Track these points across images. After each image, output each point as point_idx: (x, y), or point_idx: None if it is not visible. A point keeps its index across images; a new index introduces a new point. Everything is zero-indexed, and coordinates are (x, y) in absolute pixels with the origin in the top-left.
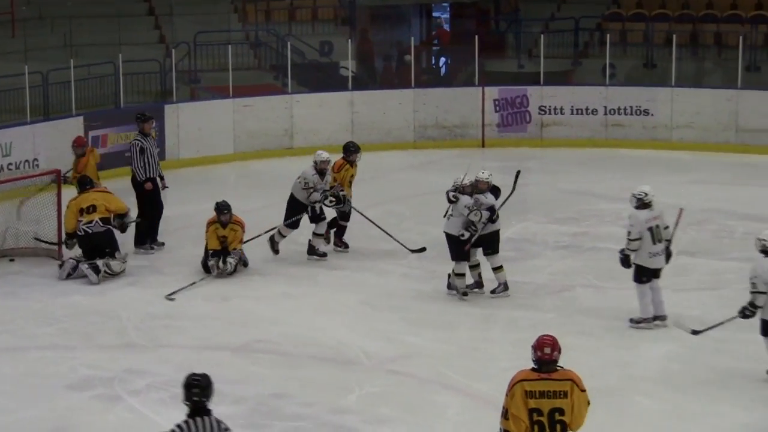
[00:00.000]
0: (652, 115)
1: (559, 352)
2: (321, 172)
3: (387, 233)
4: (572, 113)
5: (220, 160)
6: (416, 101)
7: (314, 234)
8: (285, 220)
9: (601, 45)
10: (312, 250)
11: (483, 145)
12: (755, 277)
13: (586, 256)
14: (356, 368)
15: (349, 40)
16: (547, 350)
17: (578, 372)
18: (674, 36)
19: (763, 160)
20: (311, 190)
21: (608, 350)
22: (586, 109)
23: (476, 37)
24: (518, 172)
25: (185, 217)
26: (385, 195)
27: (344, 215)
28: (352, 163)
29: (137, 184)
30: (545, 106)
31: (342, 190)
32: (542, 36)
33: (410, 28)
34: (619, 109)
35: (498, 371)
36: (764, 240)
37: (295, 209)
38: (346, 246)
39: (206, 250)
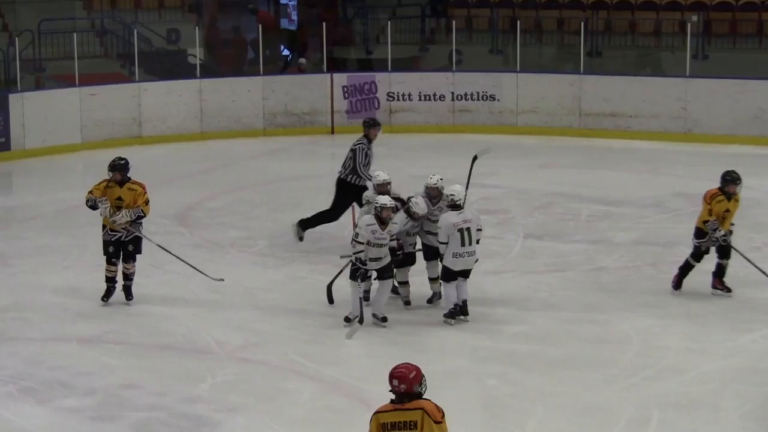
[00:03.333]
0: (498, 100)
1: (417, 384)
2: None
3: (188, 263)
4: (420, 99)
5: (67, 149)
6: (265, 89)
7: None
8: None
9: (447, 31)
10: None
11: (333, 132)
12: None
13: None
14: (208, 357)
15: (197, 28)
16: (395, 382)
17: (430, 353)
18: (518, 22)
19: (605, 143)
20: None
21: (461, 333)
22: (434, 95)
23: (323, 24)
24: (474, 157)
25: (31, 207)
26: (236, 183)
27: None
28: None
29: None
30: (393, 93)
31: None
32: (389, 23)
33: (256, 17)
34: (465, 94)
35: (348, 357)
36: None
37: None
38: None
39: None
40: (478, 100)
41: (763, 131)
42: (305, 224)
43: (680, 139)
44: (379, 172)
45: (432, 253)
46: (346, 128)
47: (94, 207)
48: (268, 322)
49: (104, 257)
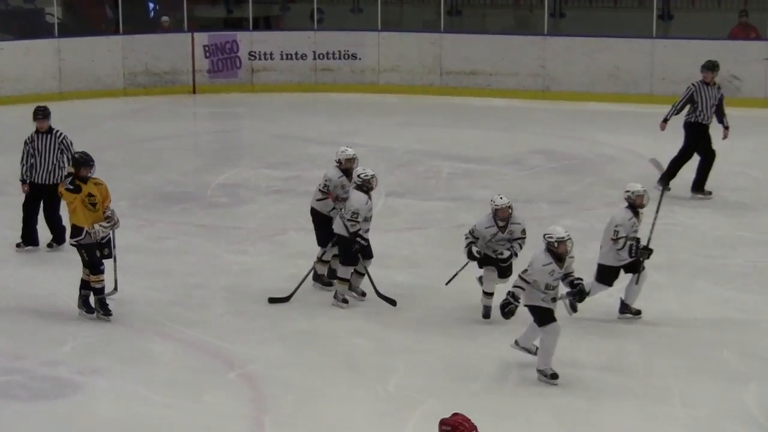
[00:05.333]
0: (359, 59)
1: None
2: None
3: None
4: (282, 58)
5: None
6: (125, 48)
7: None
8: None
9: None
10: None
11: (194, 92)
12: (619, 226)
13: (298, 201)
14: (69, 320)
15: None
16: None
17: (293, 311)
18: None
19: (465, 102)
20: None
21: (322, 293)
22: (296, 54)
23: None
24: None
25: None
26: (96, 144)
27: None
28: None
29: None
30: (255, 52)
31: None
32: None
33: None
34: (327, 53)
35: (212, 317)
36: (629, 191)
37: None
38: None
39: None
40: (339, 59)
41: (618, 89)
42: None
43: (538, 96)
44: (345, 148)
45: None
46: (207, 88)
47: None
48: (129, 283)
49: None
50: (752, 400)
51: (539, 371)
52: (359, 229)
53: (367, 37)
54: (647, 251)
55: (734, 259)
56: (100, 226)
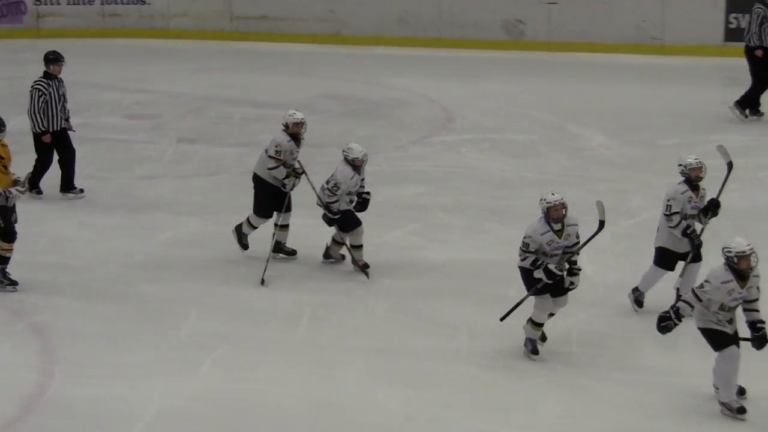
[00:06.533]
0: (148, 4)
1: None
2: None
3: None
4: (68, 3)
5: None
6: None
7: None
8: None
9: None
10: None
11: None
12: (671, 200)
13: (87, 148)
14: None
15: None
16: None
17: (84, 261)
18: None
19: (256, 47)
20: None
21: (119, 239)
22: None
23: None
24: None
25: None
26: None
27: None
28: None
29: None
30: None
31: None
32: None
33: None
34: None
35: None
36: (683, 164)
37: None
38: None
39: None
40: (128, 3)
41: (406, 33)
42: None
43: (329, 41)
44: (294, 111)
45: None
46: None
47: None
48: None
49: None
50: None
51: (722, 404)
52: (334, 201)
53: None
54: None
55: (520, 200)
56: (16, 189)
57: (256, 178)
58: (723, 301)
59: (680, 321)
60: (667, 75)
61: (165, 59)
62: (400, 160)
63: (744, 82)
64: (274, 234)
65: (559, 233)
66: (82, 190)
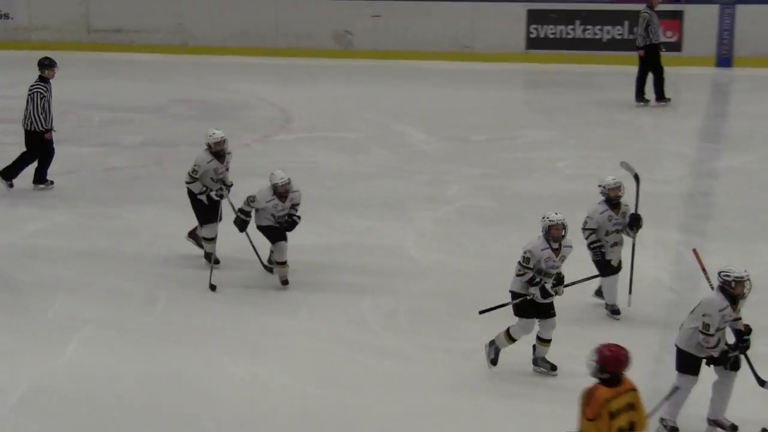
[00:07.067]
0: (11, 18)
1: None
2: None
3: None
4: None
5: None
6: None
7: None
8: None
9: None
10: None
11: None
12: (588, 218)
13: None
14: None
15: None
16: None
17: None
18: None
19: (112, 56)
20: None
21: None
22: None
23: None
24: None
25: None
26: None
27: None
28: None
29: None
30: None
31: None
32: None
33: None
34: None
35: None
36: (602, 185)
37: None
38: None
39: None
40: None
41: (248, 43)
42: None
43: (179, 51)
44: (214, 131)
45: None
46: None
47: None
48: None
49: None
50: (367, 310)
51: (662, 420)
52: (249, 211)
53: None
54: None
55: (350, 191)
56: None
57: (189, 192)
58: (720, 325)
59: (735, 349)
60: (477, 79)
61: (29, 68)
62: (245, 156)
63: (545, 84)
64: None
65: (556, 252)
66: (52, 182)
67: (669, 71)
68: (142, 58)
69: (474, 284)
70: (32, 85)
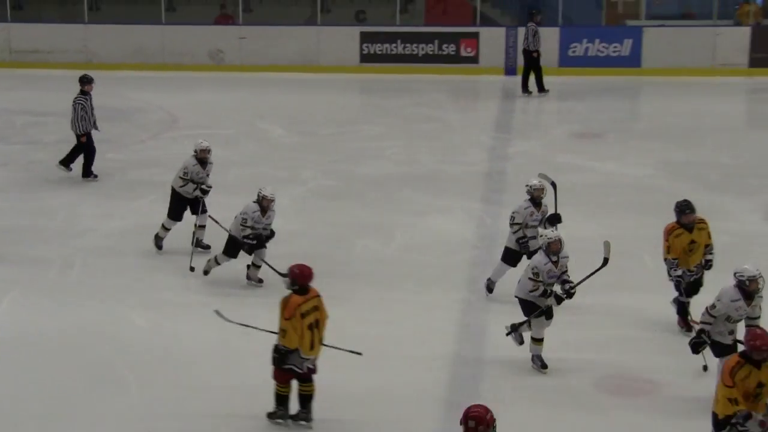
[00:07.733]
0: None
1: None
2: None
3: None
4: None
5: None
6: None
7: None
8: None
9: None
10: (198, 243)
11: None
12: (515, 213)
13: None
14: None
15: None
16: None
17: None
18: None
19: (30, 72)
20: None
21: None
22: None
23: None
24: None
25: None
26: None
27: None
28: None
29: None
30: None
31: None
32: None
33: None
34: None
35: None
36: (529, 186)
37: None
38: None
39: None
40: None
41: (141, 60)
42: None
43: (84, 67)
44: (202, 140)
45: None
46: None
47: None
48: None
49: None
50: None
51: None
52: (248, 234)
53: None
54: (555, 220)
55: (228, 177)
56: None
57: (173, 191)
58: (730, 313)
59: (710, 340)
60: (322, 86)
61: None
62: (141, 151)
63: (376, 90)
64: (194, 232)
65: (555, 264)
66: (96, 176)
67: (468, 80)
68: (54, 73)
69: (325, 247)
70: (75, 97)
